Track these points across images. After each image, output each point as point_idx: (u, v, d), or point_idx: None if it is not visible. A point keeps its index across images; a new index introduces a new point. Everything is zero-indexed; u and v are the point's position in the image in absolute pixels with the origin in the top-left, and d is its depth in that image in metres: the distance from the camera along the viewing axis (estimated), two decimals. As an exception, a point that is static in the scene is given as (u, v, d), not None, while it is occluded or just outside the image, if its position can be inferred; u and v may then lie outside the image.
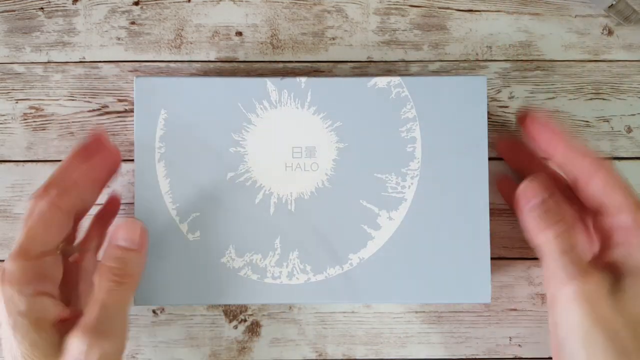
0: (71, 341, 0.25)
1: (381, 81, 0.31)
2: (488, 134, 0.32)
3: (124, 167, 0.35)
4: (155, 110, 0.31)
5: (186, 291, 0.31)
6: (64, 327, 0.26)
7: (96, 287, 0.27)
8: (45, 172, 0.36)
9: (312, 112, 0.31)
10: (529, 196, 0.28)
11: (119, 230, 0.28)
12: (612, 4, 0.35)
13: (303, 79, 0.31)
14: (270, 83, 0.31)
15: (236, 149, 0.31)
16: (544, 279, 0.28)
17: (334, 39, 0.37)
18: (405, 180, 0.31)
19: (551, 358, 0.36)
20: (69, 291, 0.29)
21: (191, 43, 0.37)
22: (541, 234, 0.27)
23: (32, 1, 0.37)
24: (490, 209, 0.31)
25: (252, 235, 0.31)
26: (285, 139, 0.31)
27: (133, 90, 0.32)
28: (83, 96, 0.37)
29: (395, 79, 0.31)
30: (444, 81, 0.32)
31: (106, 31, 0.37)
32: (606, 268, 0.27)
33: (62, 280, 0.28)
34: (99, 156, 0.30)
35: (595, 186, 0.28)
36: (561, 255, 0.26)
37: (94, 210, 0.33)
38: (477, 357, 0.37)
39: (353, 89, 0.31)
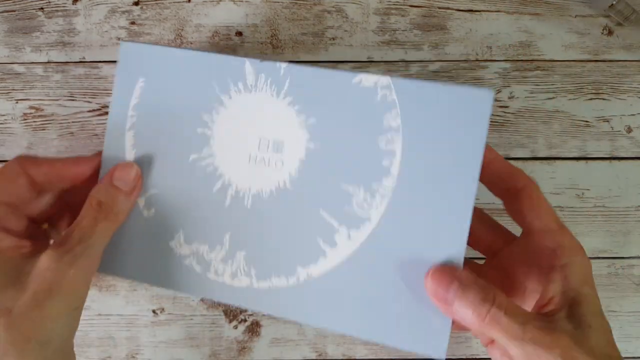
0: (42, 258, 0.25)
1: (367, 79, 0.27)
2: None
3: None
4: (134, 77, 0.29)
5: (134, 267, 0.29)
6: (30, 255, 0.26)
7: (80, 215, 0.26)
8: (45, 172, 0.36)
9: (287, 102, 0.28)
10: (444, 288, 0.24)
11: (114, 170, 0.28)
12: (612, 4, 0.35)
13: (283, 64, 0.28)
14: (249, 64, 0.28)
15: (203, 131, 0.29)
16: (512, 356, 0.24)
17: (334, 39, 0.37)
18: (375, 197, 0.27)
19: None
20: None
21: (191, 43, 0.37)
22: (484, 326, 0.23)
23: (32, 1, 0.37)
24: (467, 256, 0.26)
25: (202, 224, 0.29)
26: (254, 127, 0.28)
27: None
28: (83, 96, 0.37)
29: (384, 79, 0.27)
30: (440, 90, 0.26)
31: (106, 31, 0.37)
32: (558, 302, 0.25)
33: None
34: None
35: (524, 208, 0.27)
36: (519, 340, 0.23)
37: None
38: (477, 357, 0.36)
39: (335, 84, 0.27)
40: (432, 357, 0.26)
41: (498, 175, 0.29)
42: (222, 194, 0.29)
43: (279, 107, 0.28)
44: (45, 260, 0.24)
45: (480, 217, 0.31)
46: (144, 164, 0.29)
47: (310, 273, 0.28)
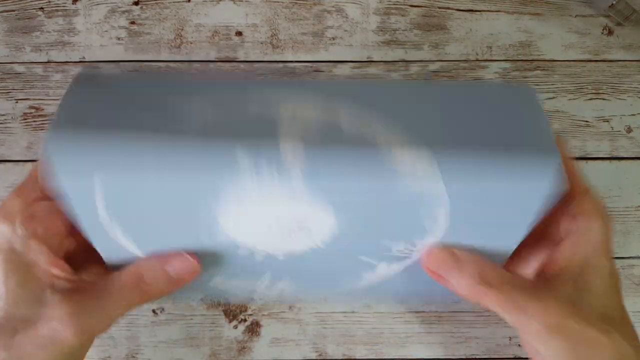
0: (57, 302, 0.24)
1: (404, 160, 0.21)
2: None
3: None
4: (86, 180, 0.21)
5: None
6: (56, 282, 0.25)
7: (120, 288, 0.25)
8: (45, 172, 0.36)
9: (302, 189, 0.22)
10: (440, 262, 0.25)
11: (175, 258, 0.26)
12: (612, 4, 0.35)
13: (289, 147, 0.21)
14: (241, 152, 0.21)
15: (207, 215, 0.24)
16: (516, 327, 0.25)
17: (334, 38, 0.37)
18: (415, 246, 0.25)
19: None
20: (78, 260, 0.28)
21: (191, 43, 0.37)
22: (474, 296, 0.24)
23: (32, 1, 0.37)
24: None
25: (239, 272, 0.28)
26: (265, 211, 0.23)
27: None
28: (83, 96, 0.37)
29: (433, 186, 0.21)
30: (493, 187, 0.22)
31: (106, 31, 0.37)
32: (560, 270, 0.25)
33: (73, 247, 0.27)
34: None
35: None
36: (514, 311, 0.24)
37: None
38: (477, 357, 0.37)
39: (365, 168, 0.21)
40: None
41: None
42: (251, 256, 0.26)
43: (293, 189, 0.22)
44: (57, 310, 0.24)
45: None
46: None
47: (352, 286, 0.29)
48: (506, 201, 0.22)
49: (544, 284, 0.25)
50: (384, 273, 0.27)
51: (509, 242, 0.25)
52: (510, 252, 0.26)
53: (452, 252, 0.25)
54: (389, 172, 0.21)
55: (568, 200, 0.25)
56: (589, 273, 0.25)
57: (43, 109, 0.37)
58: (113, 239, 0.24)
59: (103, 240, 0.25)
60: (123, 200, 0.22)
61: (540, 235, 0.27)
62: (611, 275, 0.25)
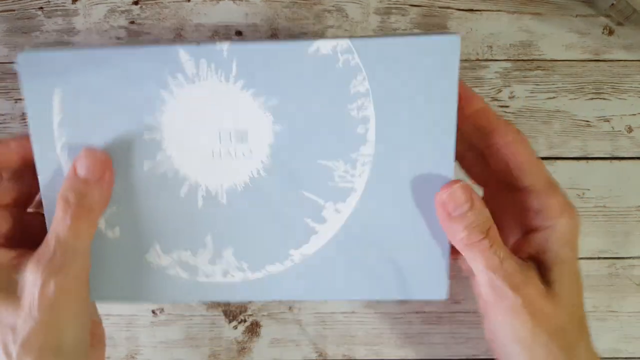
0: (26, 276, 0.24)
1: (324, 46, 0.25)
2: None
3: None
4: (47, 91, 0.26)
5: (115, 289, 0.28)
6: (19, 266, 0.25)
7: (53, 220, 0.25)
8: (44, 172, 0.36)
9: (239, 86, 0.25)
10: (456, 204, 0.25)
11: (77, 159, 0.26)
12: (612, 4, 0.35)
13: (225, 45, 0.25)
14: (183, 52, 0.25)
15: (151, 136, 0.26)
16: (477, 290, 0.26)
17: (334, 38, 0.37)
18: (355, 167, 0.26)
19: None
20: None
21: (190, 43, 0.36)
22: (469, 249, 0.25)
23: (31, 1, 0.37)
24: None
25: (178, 232, 0.27)
26: (209, 120, 0.26)
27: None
28: (82, 96, 0.37)
29: (343, 42, 0.25)
30: (404, 43, 0.25)
31: (106, 31, 0.36)
32: (529, 257, 0.26)
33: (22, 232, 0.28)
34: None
35: (519, 164, 0.27)
36: (493, 271, 0.25)
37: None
38: (477, 357, 0.36)
39: (289, 57, 0.25)
40: (436, 298, 0.27)
41: (480, 129, 0.28)
42: (192, 196, 0.27)
43: (232, 93, 0.26)
44: (29, 276, 0.24)
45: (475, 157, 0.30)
46: None
47: (304, 253, 0.27)
48: (418, 66, 0.25)
49: (525, 265, 0.26)
50: (331, 226, 0.27)
51: (445, 129, 0.26)
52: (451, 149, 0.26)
53: (471, 194, 0.25)
54: (312, 56, 0.25)
55: (537, 196, 0.26)
56: (558, 267, 0.26)
57: (42, 109, 0.37)
58: (57, 155, 0.26)
59: (47, 158, 0.27)
60: (76, 104, 0.26)
61: (511, 229, 0.28)
62: (577, 272, 0.26)
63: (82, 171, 0.25)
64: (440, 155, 0.26)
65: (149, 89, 0.26)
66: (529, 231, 0.27)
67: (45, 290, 0.24)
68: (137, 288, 0.28)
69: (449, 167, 0.26)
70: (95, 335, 0.29)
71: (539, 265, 0.26)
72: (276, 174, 0.26)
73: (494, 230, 0.25)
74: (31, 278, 0.24)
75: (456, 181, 0.25)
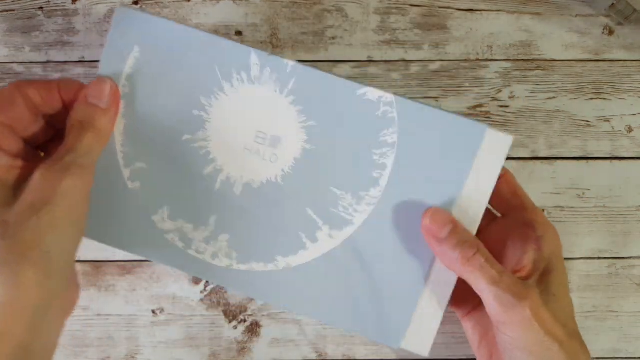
0: (35, 173, 0.24)
1: (372, 93, 0.28)
2: None
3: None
4: (128, 46, 0.28)
5: (115, 235, 0.29)
6: (24, 176, 0.25)
7: (65, 138, 0.26)
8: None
9: (289, 101, 0.28)
10: (440, 225, 0.27)
11: (88, 88, 0.27)
12: (612, 4, 0.35)
13: (291, 63, 0.28)
14: (255, 56, 0.28)
15: (199, 113, 0.29)
16: (485, 305, 0.27)
17: (334, 38, 0.37)
18: (360, 204, 0.28)
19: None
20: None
21: (191, 42, 0.36)
22: (466, 267, 0.26)
23: (31, 1, 0.37)
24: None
25: (189, 204, 0.29)
26: (253, 119, 0.28)
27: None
28: (82, 96, 0.37)
29: (388, 97, 0.28)
30: (438, 116, 0.28)
31: (105, 30, 0.36)
32: (527, 274, 0.28)
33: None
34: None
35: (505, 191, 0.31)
36: (494, 284, 0.25)
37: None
38: (478, 357, 0.36)
39: (340, 92, 0.28)
40: (393, 346, 0.29)
41: None
42: (213, 177, 0.29)
43: (281, 104, 0.28)
44: (37, 174, 0.24)
45: None
46: (132, 134, 0.29)
47: (289, 262, 0.29)
48: (443, 138, 0.28)
49: (520, 277, 0.27)
50: (321, 247, 0.29)
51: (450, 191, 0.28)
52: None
53: (449, 213, 0.28)
54: (358, 98, 0.28)
55: (523, 214, 0.30)
56: (552, 275, 0.28)
57: (42, 109, 0.37)
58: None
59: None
60: (148, 65, 0.28)
61: (504, 245, 0.30)
62: (567, 285, 0.29)
63: (93, 100, 0.27)
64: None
65: (214, 75, 0.28)
66: (523, 245, 0.29)
67: (50, 186, 0.24)
68: (133, 240, 0.29)
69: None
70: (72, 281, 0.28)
71: (537, 274, 0.28)
72: (291, 184, 0.29)
73: (484, 247, 0.27)
74: (38, 176, 0.24)
75: (434, 209, 0.28)
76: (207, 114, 0.29)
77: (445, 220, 0.27)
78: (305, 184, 0.29)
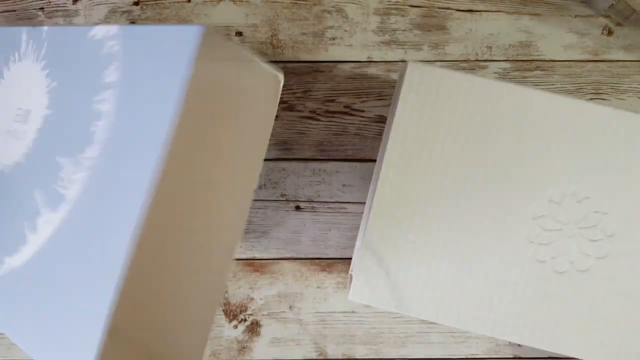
0: None
1: (100, 31, 0.23)
2: None
3: None
4: None
5: None
6: None
7: None
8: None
9: (41, 66, 0.25)
10: None
11: None
12: (612, 4, 0.35)
13: (45, 28, 0.25)
14: (25, 32, 0.25)
15: None
16: None
17: (333, 39, 0.37)
18: (76, 172, 0.22)
19: (551, 358, 0.36)
20: None
21: (191, 43, 0.37)
22: None
23: (32, 1, 0.37)
24: None
25: None
26: (17, 97, 0.25)
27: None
28: (83, 96, 0.37)
29: (114, 29, 0.22)
30: (154, 31, 0.21)
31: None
32: None
33: None
34: None
35: None
36: None
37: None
38: (477, 356, 0.37)
39: (76, 41, 0.23)
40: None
41: None
42: None
43: (35, 72, 0.25)
44: None
45: None
46: None
47: (12, 263, 0.23)
48: (160, 55, 0.20)
49: None
50: (40, 239, 0.22)
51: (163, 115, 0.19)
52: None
53: None
54: (89, 41, 0.23)
55: None
56: None
57: (43, 109, 0.37)
58: None
59: None
60: None
61: None
62: None
63: None
64: (138, 169, 0.20)
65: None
66: None
67: None
68: None
69: (140, 188, 0.19)
70: None
71: None
72: (29, 163, 0.24)
73: None
74: None
75: None
76: None
77: None
78: (39, 158, 0.23)
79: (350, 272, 0.29)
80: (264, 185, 0.36)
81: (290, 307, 0.37)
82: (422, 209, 0.27)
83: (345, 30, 0.37)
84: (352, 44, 0.37)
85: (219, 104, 0.22)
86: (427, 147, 0.27)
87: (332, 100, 0.37)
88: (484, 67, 0.37)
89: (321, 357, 0.37)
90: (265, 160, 0.37)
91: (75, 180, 0.21)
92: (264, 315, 0.37)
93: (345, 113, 0.37)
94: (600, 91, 0.37)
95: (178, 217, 0.22)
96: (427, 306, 0.27)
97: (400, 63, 0.37)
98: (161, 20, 0.36)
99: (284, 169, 0.36)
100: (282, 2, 0.37)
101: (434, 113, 0.26)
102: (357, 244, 0.28)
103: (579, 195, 0.27)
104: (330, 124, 0.37)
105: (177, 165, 0.20)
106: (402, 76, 0.27)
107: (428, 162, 0.27)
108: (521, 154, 0.26)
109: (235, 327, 0.37)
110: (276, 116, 0.37)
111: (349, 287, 0.27)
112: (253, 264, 0.37)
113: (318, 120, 0.36)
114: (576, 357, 0.27)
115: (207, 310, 0.24)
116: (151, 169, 0.18)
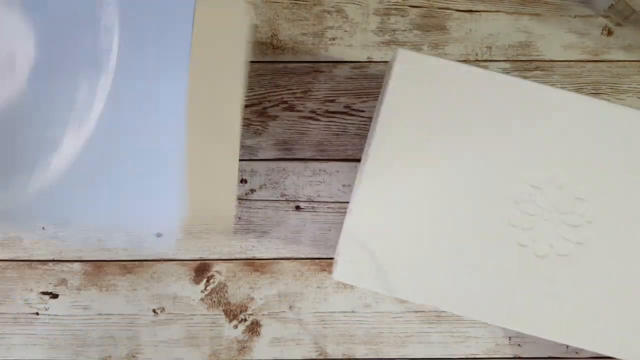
0: None
1: None
2: None
3: None
4: None
5: None
6: None
7: None
8: (45, 172, 0.36)
9: (21, 5, 0.24)
10: None
11: None
12: (611, 5, 0.35)
13: None
14: None
15: None
16: None
17: (333, 39, 0.37)
18: (95, 94, 0.24)
19: (550, 358, 0.36)
20: None
21: (191, 43, 0.37)
22: None
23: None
24: None
25: None
26: (4, 44, 0.25)
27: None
28: (83, 96, 0.37)
29: None
30: None
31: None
32: None
33: None
34: None
35: None
36: None
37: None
38: (477, 356, 0.37)
39: None
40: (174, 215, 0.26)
41: None
42: None
43: (15, 14, 0.24)
44: None
45: None
46: None
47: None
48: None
49: None
50: (66, 151, 0.24)
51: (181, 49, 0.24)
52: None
53: None
54: None
55: None
56: None
57: (44, 109, 0.37)
58: None
59: None
60: None
61: None
62: None
63: None
64: (171, 94, 0.24)
65: None
66: None
67: None
68: None
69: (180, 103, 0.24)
70: None
71: None
72: (34, 96, 0.24)
73: None
74: None
75: None
76: None
77: None
78: (47, 88, 0.24)
79: (335, 257, 0.30)
80: (264, 185, 0.36)
81: (290, 307, 0.37)
82: (405, 193, 0.28)
83: (345, 31, 0.37)
84: (352, 44, 0.37)
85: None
86: (413, 134, 0.28)
87: (332, 100, 0.37)
88: (484, 67, 0.37)
89: (321, 357, 0.37)
90: (266, 160, 0.37)
91: (95, 102, 0.24)
92: (264, 315, 0.37)
93: (345, 113, 0.37)
94: (600, 91, 0.37)
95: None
96: (411, 287, 0.28)
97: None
98: None
99: (284, 169, 0.37)
100: (282, 3, 0.37)
101: (422, 101, 0.27)
102: (343, 229, 0.28)
103: (559, 181, 0.28)
104: (330, 124, 0.37)
105: None
106: (392, 61, 0.28)
107: (414, 147, 0.28)
108: (504, 140, 0.28)
109: (236, 327, 0.37)
110: (276, 116, 0.37)
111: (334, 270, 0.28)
112: (253, 264, 0.37)
113: (318, 120, 0.37)
114: (555, 339, 0.28)
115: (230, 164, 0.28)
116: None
